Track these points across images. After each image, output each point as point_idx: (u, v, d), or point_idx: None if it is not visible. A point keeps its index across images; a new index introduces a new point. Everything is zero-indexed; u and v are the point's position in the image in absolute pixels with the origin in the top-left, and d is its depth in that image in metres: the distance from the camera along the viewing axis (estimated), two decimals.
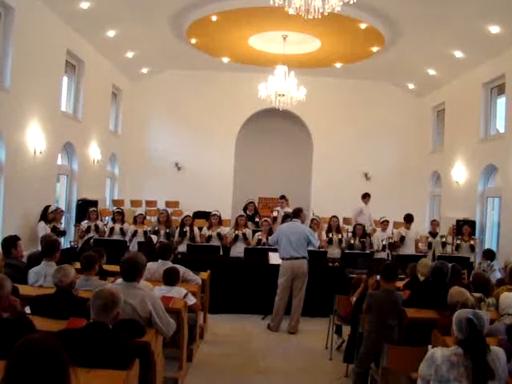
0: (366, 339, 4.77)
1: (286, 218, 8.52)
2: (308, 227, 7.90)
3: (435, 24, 9.89)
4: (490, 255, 8.04)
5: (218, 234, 8.83)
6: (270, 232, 8.65)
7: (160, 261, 5.87)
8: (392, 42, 11.33)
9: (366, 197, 11.42)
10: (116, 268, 4.94)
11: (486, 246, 10.54)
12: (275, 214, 10.38)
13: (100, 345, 3.01)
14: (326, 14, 6.90)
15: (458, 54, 10.96)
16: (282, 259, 7.23)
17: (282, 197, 11.19)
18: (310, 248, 8.17)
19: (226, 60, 13.68)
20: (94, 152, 12.35)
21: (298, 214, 7.60)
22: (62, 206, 10.63)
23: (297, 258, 7.14)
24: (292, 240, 7.15)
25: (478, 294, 4.83)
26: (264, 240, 8.63)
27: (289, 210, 10.08)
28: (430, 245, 9.71)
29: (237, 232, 8.83)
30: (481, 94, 11.30)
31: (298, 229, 7.30)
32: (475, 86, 11.46)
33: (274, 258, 7.58)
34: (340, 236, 9.21)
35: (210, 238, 8.83)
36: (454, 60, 11.31)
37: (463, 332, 2.89)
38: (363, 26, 10.41)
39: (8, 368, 2.01)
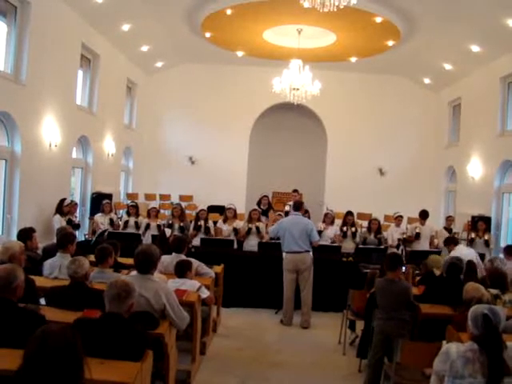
0: (375, 328, 4.79)
1: (305, 212, 8.54)
2: (310, 220, 7.85)
3: (452, 17, 9.76)
4: None
5: (234, 229, 8.84)
6: None
7: (174, 254, 5.89)
8: (408, 35, 11.22)
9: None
10: (130, 261, 4.97)
11: (502, 243, 10.43)
12: (287, 208, 10.35)
13: (115, 335, 3.04)
14: (341, 7, 6.85)
15: (475, 47, 10.81)
16: (285, 252, 7.27)
17: (295, 190, 11.15)
18: (323, 242, 8.16)
19: (240, 54, 13.65)
20: (108, 145, 12.41)
21: (299, 207, 7.59)
22: (77, 199, 10.72)
23: (299, 252, 7.16)
24: (295, 234, 7.15)
25: (494, 291, 4.77)
26: None
27: None
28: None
29: (250, 225, 8.83)
30: (498, 89, 11.13)
31: (300, 223, 7.30)
32: (492, 81, 11.30)
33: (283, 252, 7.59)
34: (354, 230, 9.17)
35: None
36: (470, 54, 11.16)
37: (479, 328, 2.86)
38: (379, 19, 10.31)
39: (24, 357, 2.04)
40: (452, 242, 7.44)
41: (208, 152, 15.19)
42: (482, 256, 8.46)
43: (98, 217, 9.43)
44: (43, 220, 8.94)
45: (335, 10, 6.81)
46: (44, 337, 2.08)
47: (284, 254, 7.30)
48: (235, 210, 9.15)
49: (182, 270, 5.26)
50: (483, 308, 2.94)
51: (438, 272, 5.72)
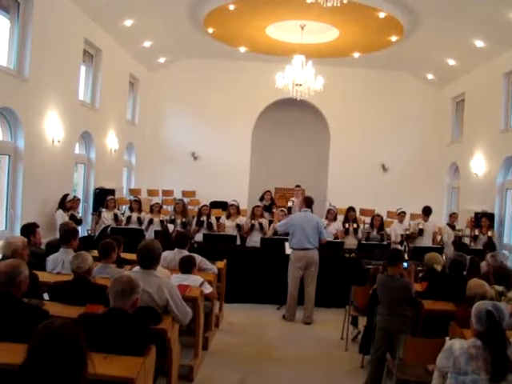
0: (376, 323, 4.80)
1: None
2: (318, 217, 7.84)
3: (455, 12, 9.71)
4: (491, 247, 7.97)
5: (237, 225, 8.85)
6: None
7: (176, 249, 5.88)
8: (411, 31, 11.18)
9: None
10: (133, 256, 4.97)
11: (505, 239, 10.45)
12: (290, 204, 10.33)
13: (119, 331, 3.05)
14: (344, 2, 6.84)
15: (479, 43, 10.76)
16: (294, 249, 7.24)
17: (298, 186, 11.12)
18: (328, 239, 8.15)
19: (243, 49, 13.62)
20: (111, 141, 12.41)
21: (311, 204, 7.58)
22: (80, 195, 10.72)
23: (310, 249, 7.15)
24: (306, 231, 7.14)
25: (499, 288, 4.74)
26: None
27: None
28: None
29: (253, 222, 8.83)
30: (502, 84, 11.08)
31: (311, 220, 7.29)
32: (496, 76, 11.25)
33: (290, 249, 7.58)
34: (356, 226, 9.15)
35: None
36: (474, 49, 11.12)
37: (482, 324, 2.85)
38: (382, 14, 10.27)
39: (28, 352, 2.05)
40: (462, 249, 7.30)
41: (210, 148, 15.19)
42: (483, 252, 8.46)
43: (103, 211, 9.45)
44: (46, 215, 8.94)
45: (338, 4, 6.82)
46: (47, 331, 2.08)
47: (291, 251, 7.27)
48: (238, 207, 9.15)
49: (187, 266, 5.26)
50: (487, 304, 2.93)
51: (439, 268, 5.71)
